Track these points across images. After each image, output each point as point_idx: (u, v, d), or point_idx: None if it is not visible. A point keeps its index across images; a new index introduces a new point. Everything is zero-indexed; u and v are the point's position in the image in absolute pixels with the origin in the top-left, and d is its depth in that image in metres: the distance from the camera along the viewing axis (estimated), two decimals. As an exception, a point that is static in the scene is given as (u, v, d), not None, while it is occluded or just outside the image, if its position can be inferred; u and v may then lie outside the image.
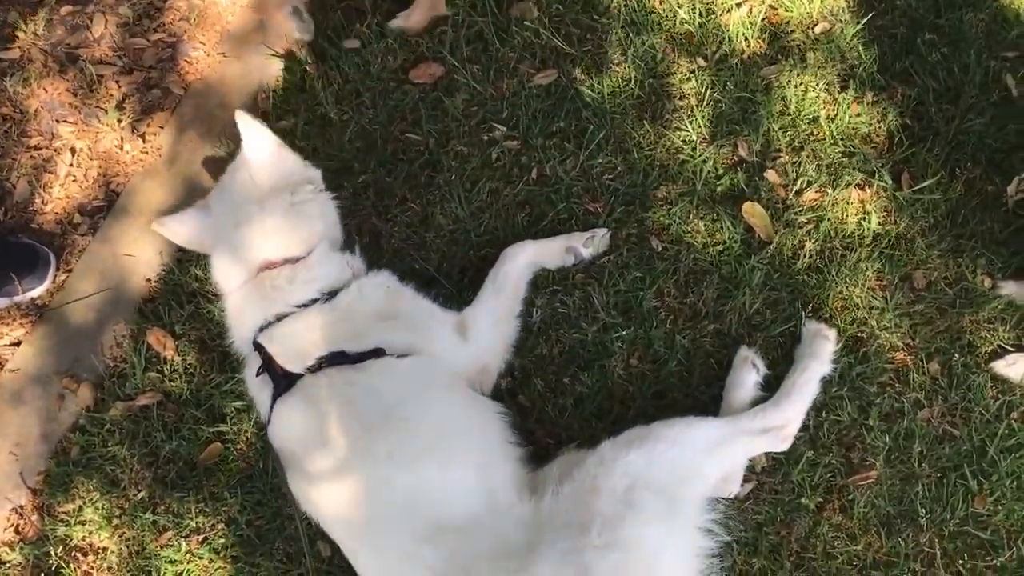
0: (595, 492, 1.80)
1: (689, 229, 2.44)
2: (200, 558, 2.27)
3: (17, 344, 2.52)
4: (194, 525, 2.29)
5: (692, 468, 1.89)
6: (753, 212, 2.40)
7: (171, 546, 2.27)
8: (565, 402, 2.29)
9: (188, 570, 2.24)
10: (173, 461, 2.36)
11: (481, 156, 2.61)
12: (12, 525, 2.31)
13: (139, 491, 2.32)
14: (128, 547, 2.26)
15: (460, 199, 2.56)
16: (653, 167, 2.54)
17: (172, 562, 2.24)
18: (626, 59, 2.66)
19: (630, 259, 2.42)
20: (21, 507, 2.33)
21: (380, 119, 2.72)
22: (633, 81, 2.63)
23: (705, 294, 2.36)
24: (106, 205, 2.75)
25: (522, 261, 2.35)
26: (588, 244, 2.40)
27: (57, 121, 2.85)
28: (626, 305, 2.38)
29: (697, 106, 2.57)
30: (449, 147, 2.65)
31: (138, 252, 2.60)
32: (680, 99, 2.60)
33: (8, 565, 2.24)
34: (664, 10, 2.71)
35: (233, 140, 2.66)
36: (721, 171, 2.49)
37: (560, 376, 2.32)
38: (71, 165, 2.79)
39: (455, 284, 2.44)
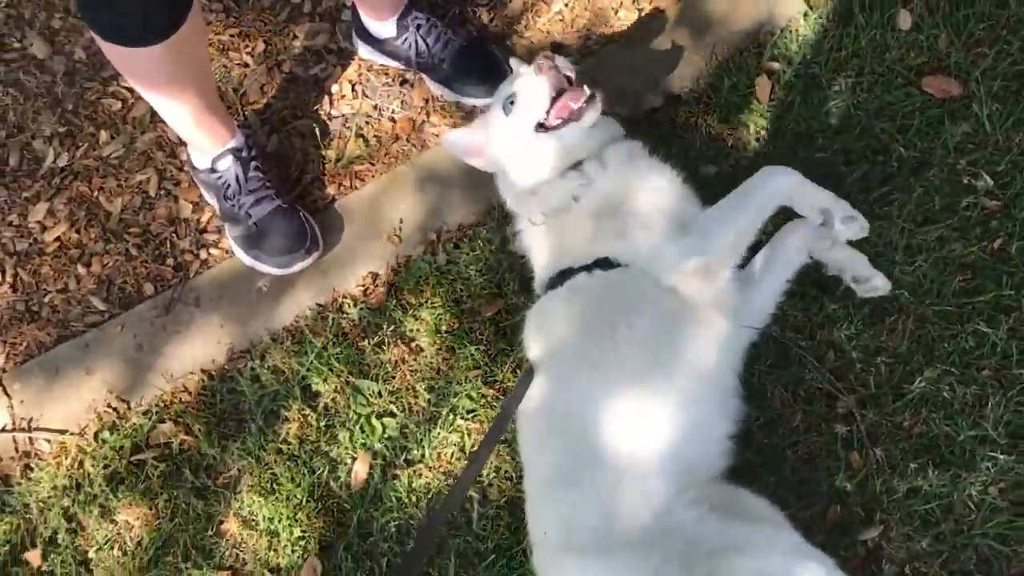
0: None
1: None
2: (491, 407, 2.28)
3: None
4: (509, 385, 2.29)
5: None
6: None
7: (473, 384, 2.30)
8: (898, 486, 2.06)
9: (478, 413, 2.27)
10: (512, 312, 2.36)
11: (950, 197, 2.33)
12: (363, 286, 2.46)
13: (473, 321, 2.36)
14: (438, 362, 2.34)
15: (902, 229, 2.31)
16: None
17: (470, 397, 2.28)
18: None
19: (1054, 388, 2.08)
20: (377, 275, 2.46)
21: (868, 107, 2.48)
22: None
23: (1119, 472, 1.99)
24: (575, 56, 2.75)
25: (781, 185, 2.10)
26: (846, 223, 2.11)
27: (575, -40, 2.85)
28: (1021, 432, 2.06)
29: None
30: (923, 172, 2.38)
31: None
32: None
33: (345, 316, 2.40)
34: None
35: (718, 56, 2.56)
36: None
37: (907, 459, 2.08)
38: (565, 5, 2.80)
39: (841, 299, 2.24)
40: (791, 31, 2.61)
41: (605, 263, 2.02)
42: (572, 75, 2.11)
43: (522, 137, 2.14)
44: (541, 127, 2.10)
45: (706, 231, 1.98)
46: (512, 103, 2.11)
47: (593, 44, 2.72)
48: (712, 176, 2.43)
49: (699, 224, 2.00)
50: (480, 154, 2.26)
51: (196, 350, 2.41)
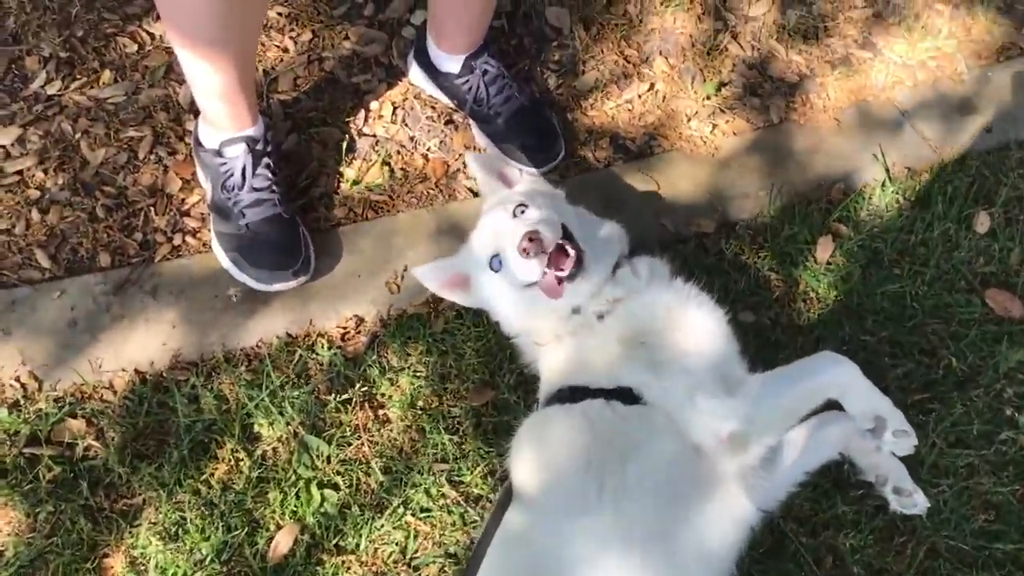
0: None
1: None
2: (448, 512, 1.97)
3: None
4: (475, 492, 2.00)
5: None
6: None
7: (435, 478, 2.00)
8: None
9: (432, 514, 1.94)
10: (501, 410, 2.04)
11: (989, 425, 2.11)
12: (344, 329, 2.13)
13: (454, 406, 2.06)
14: (404, 441, 2.05)
15: (933, 444, 2.09)
16: None
17: (428, 493, 1.97)
18: None
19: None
20: (362, 321, 2.13)
21: (925, 303, 2.26)
22: None
23: None
24: (634, 152, 2.49)
25: (840, 376, 1.78)
26: (898, 437, 1.75)
27: (659, 52, 2.62)
28: None
29: None
30: (967, 388, 2.14)
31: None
32: None
33: (315, 358, 2.05)
34: None
35: (783, 198, 2.31)
36: None
37: None
38: (639, 95, 2.56)
39: (854, 503, 2.00)
40: (864, 197, 2.38)
41: (626, 394, 1.71)
42: (559, 239, 1.79)
43: (515, 291, 1.84)
44: (534, 283, 1.77)
45: (755, 398, 1.71)
46: (501, 262, 1.80)
47: (656, 145, 2.46)
48: (748, 324, 2.16)
49: (749, 389, 1.72)
50: (463, 289, 1.95)
51: (136, 345, 2.04)
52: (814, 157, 2.47)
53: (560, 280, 1.75)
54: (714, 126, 2.49)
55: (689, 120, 2.50)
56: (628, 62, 2.58)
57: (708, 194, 2.38)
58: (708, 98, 2.53)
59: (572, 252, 1.75)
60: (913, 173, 2.46)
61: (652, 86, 2.54)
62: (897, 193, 2.41)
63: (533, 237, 1.72)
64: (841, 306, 2.24)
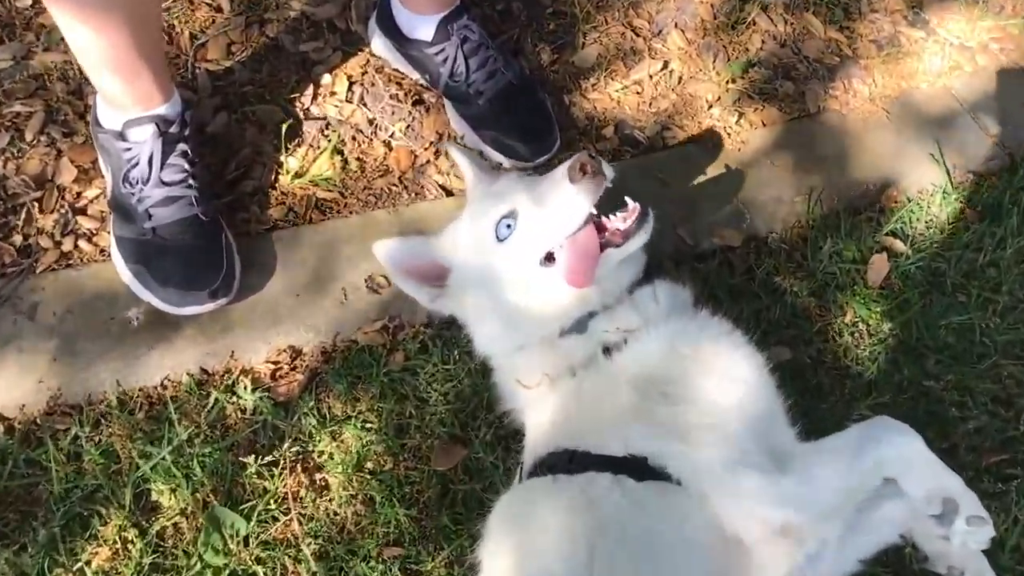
0: None
1: None
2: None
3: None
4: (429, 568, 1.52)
5: None
6: None
7: (386, 567, 1.54)
8: None
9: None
10: (474, 475, 1.55)
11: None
12: (275, 364, 1.63)
13: (413, 468, 1.61)
14: (346, 515, 1.58)
15: (1016, 519, 1.67)
16: None
17: (371, 567, 1.44)
18: None
19: None
20: (299, 354, 1.64)
21: (998, 338, 1.86)
22: None
23: None
24: (644, 145, 2.01)
25: (901, 448, 1.37)
26: (973, 524, 1.33)
27: (675, 24, 2.13)
28: None
29: None
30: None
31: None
32: None
33: (234, 402, 1.57)
34: None
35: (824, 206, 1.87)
36: None
37: None
38: (650, 76, 2.08)
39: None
40: (921, 206, 1.90)
41: (641, 465, 1.29)
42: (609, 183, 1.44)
43: (521, 272, 1.45)
44: (550, 258, 1.38)
45: (812, 477, 1.31)
46: (510, 225, 1.39)
47: (670, 137, 1.98)
48: (784, 363, 1.70)
49: (802, 466, 1.32)
50: (433, 285, 1.54)
51: (3, 383, 1.57)
52: (860, 155, 2.00)
53: (606, 243, 1.42)
54: (740, 115, 2.02)
55: (710, 107, 2.03)
56: (637, 35, 2.11)
57: (734, 198, 1.93)
58: (733, 81, 2.06)
59: (634, 203, 1.43)
60: (980, 177, 1.98)
61: (666, 65, 2.07)
62: (961, 201, 1.93)
63: (590, 158, 1.40)
64: (897, 342, 1.79)
